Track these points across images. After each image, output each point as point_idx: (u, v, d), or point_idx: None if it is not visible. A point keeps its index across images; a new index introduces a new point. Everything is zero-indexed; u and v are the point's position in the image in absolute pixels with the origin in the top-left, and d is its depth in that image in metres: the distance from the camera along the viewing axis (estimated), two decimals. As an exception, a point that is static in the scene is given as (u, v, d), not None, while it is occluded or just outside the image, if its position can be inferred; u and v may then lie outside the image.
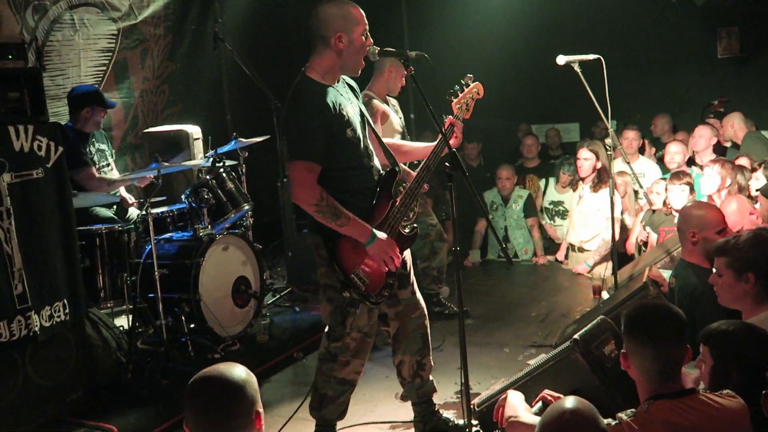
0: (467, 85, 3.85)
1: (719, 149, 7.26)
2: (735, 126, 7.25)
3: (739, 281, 3.21)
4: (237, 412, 2.10)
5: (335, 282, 3.58)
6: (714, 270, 3.37)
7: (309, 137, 3.41)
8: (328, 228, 3.47)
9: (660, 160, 7.46)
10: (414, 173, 3.80)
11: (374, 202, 3.59)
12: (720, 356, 2.72)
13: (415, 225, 3.76)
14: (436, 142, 3.74)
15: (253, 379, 2.20)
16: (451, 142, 3.66)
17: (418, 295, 3.90)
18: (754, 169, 5.81)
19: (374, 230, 3.49)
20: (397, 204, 3.62)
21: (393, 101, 5.64)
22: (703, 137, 7.00)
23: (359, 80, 3.81)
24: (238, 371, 2.18)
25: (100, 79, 6.53)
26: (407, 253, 3.83)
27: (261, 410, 2.17)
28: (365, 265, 3.52)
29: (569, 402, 2.20)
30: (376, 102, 5.43)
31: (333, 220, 3.41)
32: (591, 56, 5.06)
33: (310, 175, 3.40)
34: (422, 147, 3.99)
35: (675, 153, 6.86)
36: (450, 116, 3.75)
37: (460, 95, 3.81)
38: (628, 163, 5.78)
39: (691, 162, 7.03)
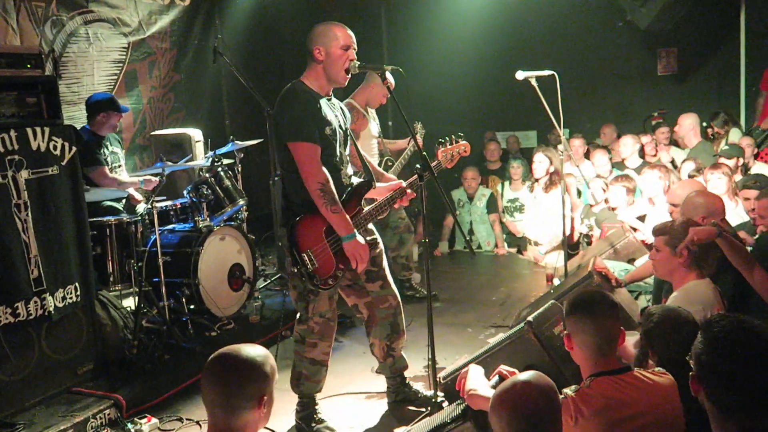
0: (457, 141, 3.89)
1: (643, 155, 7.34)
2: (694, 128, 7.23)
3: (674, 255, 3.41)
4: (238, 392, 2.00)
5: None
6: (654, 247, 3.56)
7: (307, 123, 3.41)
8: (296, 211, 3.46)
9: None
10: (388, 175, 3.84)
11: (344, 198, 3.55)
12: (642, 335, 2.77)
13: (377, 237, 3.79)
14: (410, 180, 3.79)
15: (267, 365, 2.06)
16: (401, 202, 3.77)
17: (390, 289, 3.86)
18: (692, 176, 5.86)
19: (356, 232, 3.49)
20: (363, 212, 3.64)
21: (371, 111, 5.62)
22: (627, 145, 7.09)
23: (344, 89, 3.82)
24: (254, 354, 2.05)
25: (111, 87, 6.44)
26: (381, 255, 3.81)
27: (268, 398, 2.05)
28: (318, 250, 3.48)
29: (524, 374, 2.15)
30: (358, 109, 5.40)
31: (329, 204, 3.40)
32: (546, 72, 5.07)
33: (317, 156, 3.39)
34: (386, 186, 3.93)
35: (604, 164, 6.94)
36: (434, 161, 3.79)
37: (448, 147, 3.87)
38: (577, 166, 5.80)
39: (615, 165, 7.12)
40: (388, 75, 4.67)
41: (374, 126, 5.59)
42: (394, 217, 5.74)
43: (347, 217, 3.48)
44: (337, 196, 3.42)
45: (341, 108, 3.73)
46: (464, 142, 3.90)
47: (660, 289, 4.05)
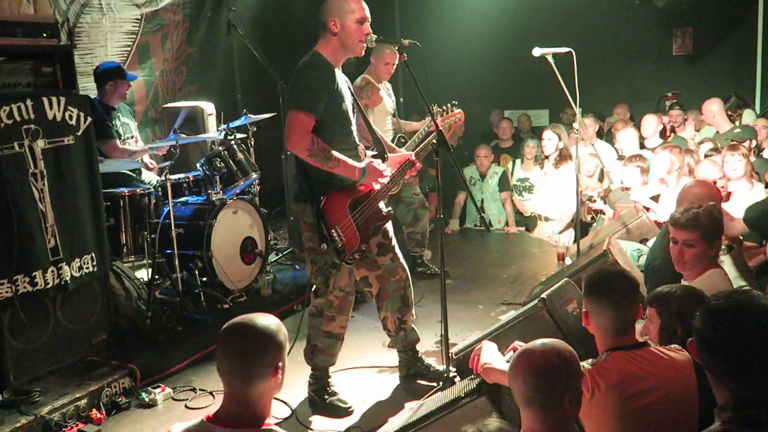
0: (452, 110, 3.92)
1: (663, 135, 7.28)
2: (721, 113, 7.12)
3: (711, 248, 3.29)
4: (256, 361, 1.99)
5: (317, 244, 3.57)
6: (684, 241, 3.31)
7: (313, 94, 3.41)
8: (318, 189, 3.46)
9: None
10: (401, 151, 3.85)
11: None
12: (666, 315, 2.75)
13: (390, 208, 3.80)
14: (419, 145, 3.83)
15: (280, 333, 2.06)
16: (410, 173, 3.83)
17: (399, 262, 3.87)
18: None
19: (362, 166, 3.50)
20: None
21: (387, 84, 5.59)
22: (650, 125, 7.04)
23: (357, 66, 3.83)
24: (268, 323, 2.05)
25: (124, 59, 6.44)
26: (389, 226, 3.82)
27: (282, 365, 2.05)
28: (344, 225, 3.51)
29: (545, 339, 2.16)
30: (373, 84, 5.39)
31: (325, 162, 3.41)
32: (563, 49, 5.01)
33: (307, 125, 3.39)
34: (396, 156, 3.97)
35: (627, 139, 6.91)
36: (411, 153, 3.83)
37: (445, 116, 3.90)
38: (593, 145, 5.78)
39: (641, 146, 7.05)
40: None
41: (389, 102, 5.57)
42: (408, 192, 5.73)
43: (348, 162, 3.47)
44: (329, 150, 3.41)
45: (346, 80, 3.73)
46: (458, 110, 3.97)
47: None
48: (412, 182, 5.92)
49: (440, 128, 3.59)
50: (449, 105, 3.94)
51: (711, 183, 4.43)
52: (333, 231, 3.46)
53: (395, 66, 5.42)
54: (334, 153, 3.42)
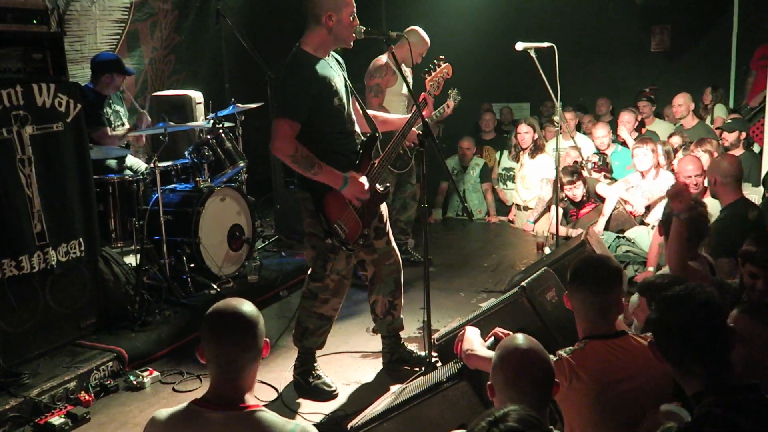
0: (439, 66, 3.85)
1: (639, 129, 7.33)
2: (683, 107, 7.14)
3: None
4: (251, 344, 1.99)
5: (319, 231, 3.57)
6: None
7: (297, 100, 3.37)
8: (318, 184, 3.44)
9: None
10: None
11: (357, 162, 3.57)
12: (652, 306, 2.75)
13: (388, 184, 3.78)
14: (410, 114, 3.74)
15: (261, 317, 2.08)
16: (425, 112, 3.66)
17: (393, 245, 3.88)
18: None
19: (345, 174, 3.46)
20: (375, 165, 3.61)
21: (407, 70, 5.45)
22: (629, 123, 7.08)
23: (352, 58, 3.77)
24: (250, 307, 2.05)
25: (114, 46, 6.33)
26: (384, 209, 3.81)
27: (267, 340, 2.08)
28: (346, 217, 3.50)
29: (520, 339, 2.13)
30: (389, 65, 5.42)
31: (308, 169, 3.39)
32: (545, 44, 5.02)
33: (291, 132, 3.36)
34: (397, 119, 4.00)
35: (603, 136, 6.95)
36: (424, 92, 3.74)
37: (433, 74, 3.81)
38: (573, 138, 5.79)
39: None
40: (424, 34, 5.34)
41: (404, 86, 5.46)
42: (404, 181, 5.75)
43: (331, 169, 3.43)
44: (312, 157, 3.38)
45: (337, 60, 3.66)
46: (446, 64, 3.86)
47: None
48: (411, 173, 5.89)
49: (424, 115, 3.58)
50: (435, 61, 3.89)
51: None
52: (336, 226, 3.48)
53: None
54: (318, 161, 3.39)
